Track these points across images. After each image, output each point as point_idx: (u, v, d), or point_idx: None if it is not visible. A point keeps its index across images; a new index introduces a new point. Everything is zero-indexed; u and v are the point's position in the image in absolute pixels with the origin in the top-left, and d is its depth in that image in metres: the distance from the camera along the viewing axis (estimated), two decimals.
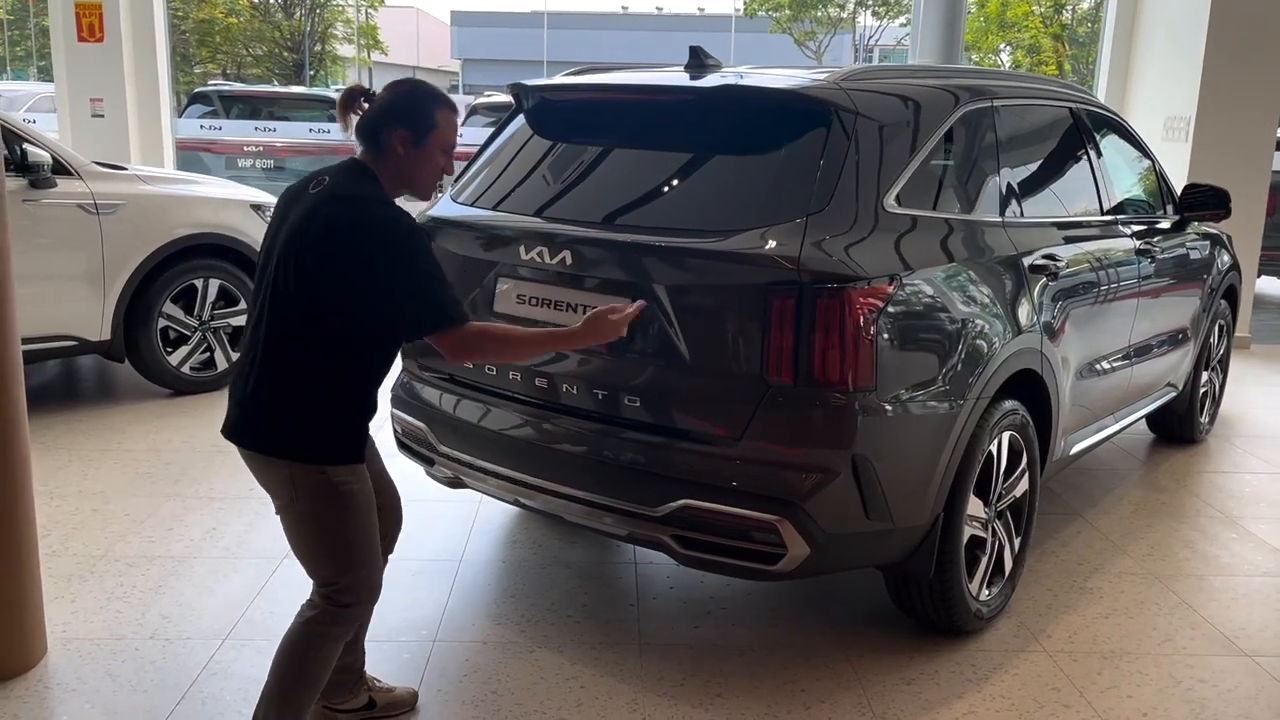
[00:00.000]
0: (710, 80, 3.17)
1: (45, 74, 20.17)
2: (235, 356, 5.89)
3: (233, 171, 9.85)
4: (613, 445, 2.94)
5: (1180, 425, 5.27)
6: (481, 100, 11.14)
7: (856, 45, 37.09)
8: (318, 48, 35.47)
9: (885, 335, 2.74)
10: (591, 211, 3.08)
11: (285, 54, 34.67)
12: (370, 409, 2.35)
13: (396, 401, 3.55)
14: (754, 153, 2.98)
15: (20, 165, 5.05)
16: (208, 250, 5.72)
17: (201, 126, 9.97)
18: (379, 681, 2.81)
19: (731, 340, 2.77)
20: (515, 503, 3.25)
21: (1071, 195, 4.01)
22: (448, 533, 3.97)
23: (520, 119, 3.50)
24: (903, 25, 31.66)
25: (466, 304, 3.25)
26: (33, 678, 2.90)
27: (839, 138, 2.87)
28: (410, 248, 2.20)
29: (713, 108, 3.09)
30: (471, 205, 3.36)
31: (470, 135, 10.06)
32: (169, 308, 5.61)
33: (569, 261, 2.95)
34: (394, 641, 3.15)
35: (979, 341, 3.04)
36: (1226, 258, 5.28)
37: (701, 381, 2.81)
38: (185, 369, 5.74)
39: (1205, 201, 4.67)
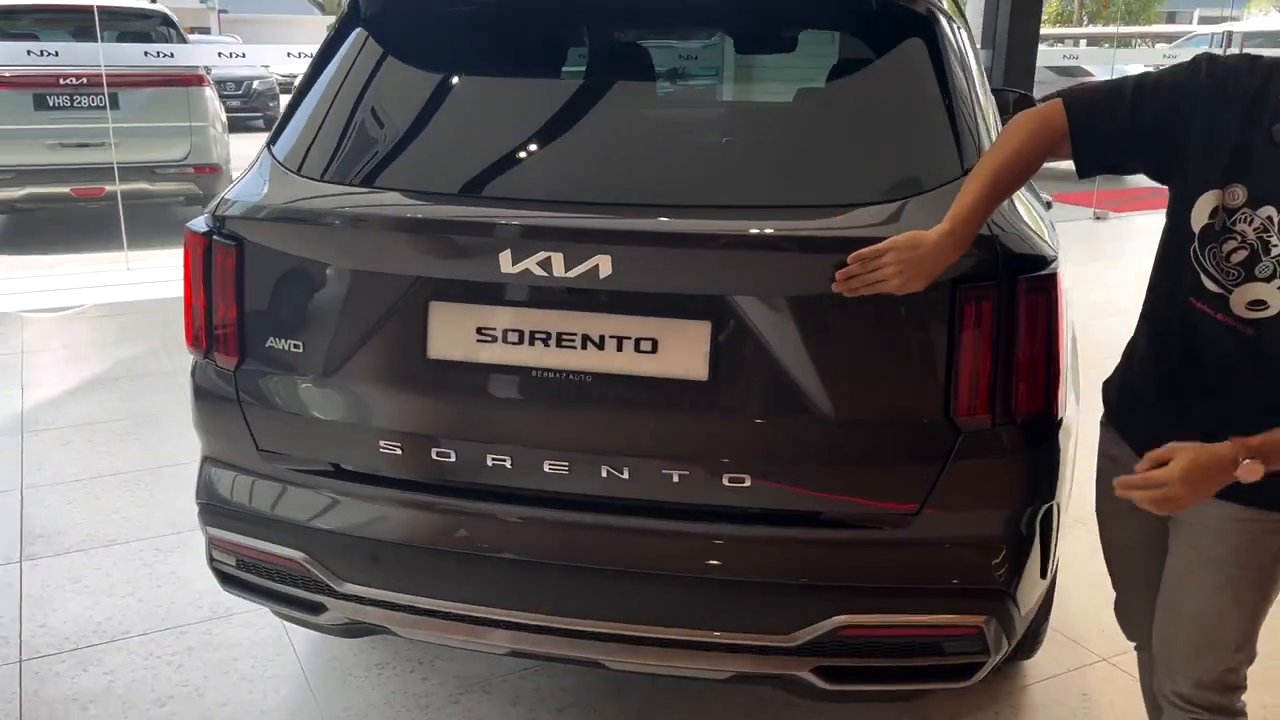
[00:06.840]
0: None
1: None
2: None
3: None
4: (707, 551, 1.89)
5: None
6: None
7: None
8: None
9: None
10: (582, 185, 1.95)
11: None
12: None
13: (215, 518, 2.13)
14: (846, 74, 2.01)
15: None
16: None
17: None
18: None
19: (892, 370, 1.83)
20: (511, 653, 2.05)
21: None
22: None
23: (365, 40, 2.16)
24: None
25: (365, 350, 1.96)
26: None
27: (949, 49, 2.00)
28: None
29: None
30: (349, 184, 2.01)
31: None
32: None
33: (603, 274, 1.79)
34: None
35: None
36: None
37: (844, 437, 1.84)
38: None
39: None
